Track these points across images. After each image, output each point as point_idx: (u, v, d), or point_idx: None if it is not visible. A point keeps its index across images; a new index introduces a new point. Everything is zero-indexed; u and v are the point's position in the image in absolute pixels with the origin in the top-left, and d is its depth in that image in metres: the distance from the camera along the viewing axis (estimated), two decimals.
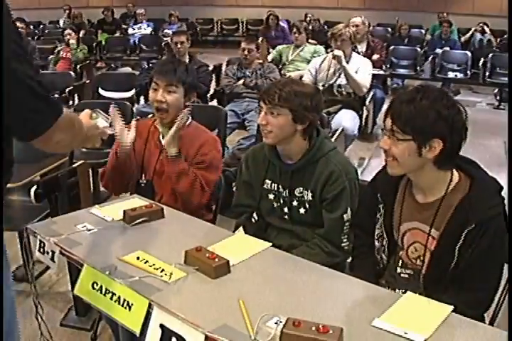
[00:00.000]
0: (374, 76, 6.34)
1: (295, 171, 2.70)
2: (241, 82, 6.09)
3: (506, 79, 9.34)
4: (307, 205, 2.72)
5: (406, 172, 2.22)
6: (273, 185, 2.78)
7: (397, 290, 2.27)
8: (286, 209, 2.77)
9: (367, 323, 1.80)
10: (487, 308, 2.21)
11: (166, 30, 13.35)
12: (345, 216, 2.62)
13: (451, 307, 1.95)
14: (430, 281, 2.26)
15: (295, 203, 2.73)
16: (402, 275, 2.36)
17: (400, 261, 2.36)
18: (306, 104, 2.56)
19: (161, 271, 2.05)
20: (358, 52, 6.67)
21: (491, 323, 2.33)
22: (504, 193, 2.16)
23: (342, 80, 5.61)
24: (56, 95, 6.66)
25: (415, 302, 2.02)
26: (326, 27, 13.13)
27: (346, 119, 5.53)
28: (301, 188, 2.71)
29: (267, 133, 2.62)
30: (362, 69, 5.63)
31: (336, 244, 2.65)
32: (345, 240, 2.65)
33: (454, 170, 2.21)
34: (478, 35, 12.02)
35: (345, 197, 2.62)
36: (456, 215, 2.15)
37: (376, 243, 2.42)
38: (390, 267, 2.40)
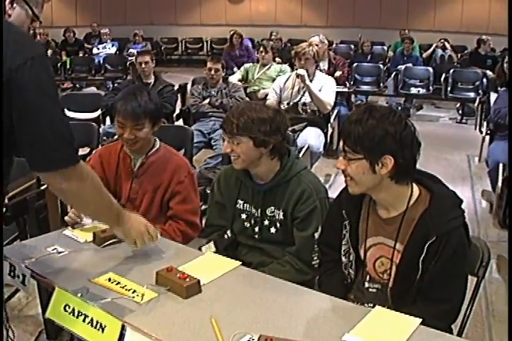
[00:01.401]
0: (338, 93, 6.43)
1: (267, 191, 2.74)
2: (207, 101, 6.12)
3: (468, 93, 9.54)
4: (278, 224, 2.75)
5: (365, 191, 2.26)
6: (245, 205, 2.81)
7: (365, 305, 2.31)
8: (257, 229, 2.80)
9: (337, 338, 1.84)
10: (454, 319, 2.25)
11: (130, 50, 13.33)
12: (316, 234, 2.65)
13: (419, 320, 2.00)
14: (398, 295, 2.29)
15: (266, 222, 2.76)
16: (370, 289, 2.39)
17: (368, 276, 2.40)
18: (265, 129, 2.58)
19: (133, 292, 2.06)
20: (321, 70, 6.76)
21: (459, 334, 2.36)
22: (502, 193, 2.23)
23: (306, 98, 5.67)
24: None
25: (384, 316, 2.06)
26: (289, 45, 13.24)
27: (311, 137, 5.59)
28: (273, 208, 2.74)
29: (235, 159, 2.66)
30: (326, 87, 5.70)
31: (306, 261, 2.68)
32: (315, 258, 2.68)
33: (414, 185, 2.26)
34: (440, 51, 12.22)
35: (316, 215, 2.66)
36: (418, 228, 2.19)
37: (343, 258, 2.45)
38: (357, 282, 2.44)
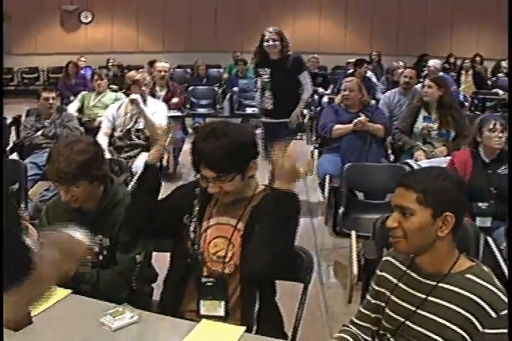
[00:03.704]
0: (173, 118, 6.55)
1: (93, 220, 2.77)
2: (40, 132, 6.03)
3: None
4: (105, 252, 2.79)
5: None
6: None
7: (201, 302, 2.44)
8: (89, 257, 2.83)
9: None
10: (288, 260, 2.49)
11: None
12: (138, 257, 2.74)
13: (244, 328, 2.15)
14: (245, 284, 2.45)
15: (96, 250, 2.76)
16: (207, 284, 2.47)
17: (205, 268, 2.51)
18: (86, 168, 2.67)
19: None
20: (158, 97, 6.89)
21: (293, 339, 2.54)
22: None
23: (140, 124, 5.75)
24: None
25: (210, 327, 2.20)
26: (127, 71, 13.21)
27: None
28: (101, 236, 2.78)
29: (76, 202, 2.75)
30: (158, 113, 5.81)
31: (128, 281, 2.76)
32: (134, 279, 2.76)
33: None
34: None
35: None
36: (256, 209, 2.47)
37: (191, 235, 2.54)
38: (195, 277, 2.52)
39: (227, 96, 10.43)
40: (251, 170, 2.44)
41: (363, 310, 2.29)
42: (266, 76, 5.96)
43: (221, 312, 2.42)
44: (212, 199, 2.55)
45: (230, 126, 2.44)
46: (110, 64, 13.87)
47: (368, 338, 2.25)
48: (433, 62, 9.52)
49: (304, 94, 6.06)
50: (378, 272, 2.26)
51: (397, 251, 2.15)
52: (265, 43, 5.81)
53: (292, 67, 5.93)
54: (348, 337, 2.24)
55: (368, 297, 2.29)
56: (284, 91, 5.95)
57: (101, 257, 2.80)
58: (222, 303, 2.42)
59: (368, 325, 2.25)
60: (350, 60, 11.62)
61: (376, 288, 2.25)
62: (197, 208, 2.55)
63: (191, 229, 2.53)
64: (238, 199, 2.49)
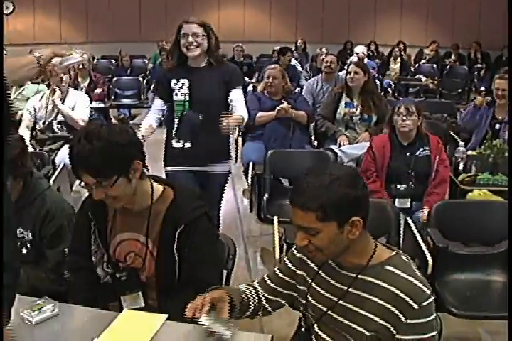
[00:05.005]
0: (97, 109, 6.47)
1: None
2: None
3: None
4: (28, 245, 2.78)
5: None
6: None
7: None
8: None
9: None
10: None
11: None
12: (66, 250, 2.70)
13: (165, 316, 2.16)
14: (163, 289, 2.43)
15: (18, 245, 2.75)
16: (121, 278, 2.47)
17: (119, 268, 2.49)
18: (13, 165, 2.60)
19: None
20: (82, 88, 6.77)
21: None
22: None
23: (61, 117, 5.65)
24: None
25: (132, 317, 2.19)
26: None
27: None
28: (22, 229, 2.75)
29: None
30: (79, 104, 5.71)
31: (59, 275, 2.73)
32: (66, 271, 2.72)
33: (155, 183, 2.45)
34: None
35: (64, 232, 2.74)
36: (167, 219, 2.37)
37: (93, 258, 2.51)
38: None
39: (152, 86, 10.32)
40: (136, 171, 2.30)
41: (268, 282, 2.28)
42: (180, 92, 3.93)
43: (141, 304, 2.43)
44: (108, 217, 2.49)
45: (104, 127, 2.27)
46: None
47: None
48: (360, 49, 9.68)
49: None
50: (295, 252, 2.23)
51: (318, 262, 2.12)
52: (183, 41, 3.81)
53: (222, 79, 3.94)
54: (251, 289, 2.28)
55: (277, 271, 2.27)
56: (208, 118, 3.83)
57: (24, 251, 2.77)
58: (140, 294, 2.43)
59: (271, 297, 2.26)
60: (275, 48, 11.67)
61: (291, 266, 2.23)
62: (96, 233, 2.49)
63: (96, 253, 2.50)
64: (136, 211, 2.43)
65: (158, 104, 4.03)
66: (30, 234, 2.76)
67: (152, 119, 3.99)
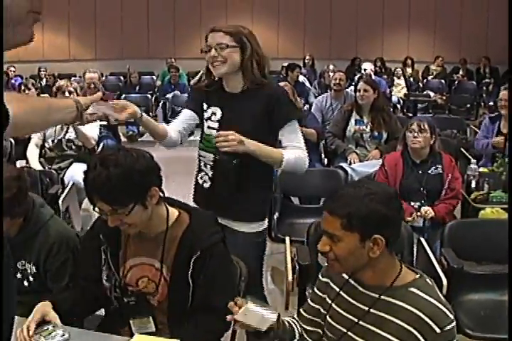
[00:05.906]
0: (105, 126, 6.44)
1: (16, 245, 2.57)
2: None
3: None
4: (31, 278, 2.70)
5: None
6: None
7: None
8: None
9: None
10: (228, 328, 2.36)
11: None
12: (70, 284, 2.63)
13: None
14: (174, 314, 2.37)
15: (19, 276, 2.68)
16: (130, 303, 2.41)
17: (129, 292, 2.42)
18: (8, 207, 2.42)
19: None
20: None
21: None
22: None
23: (71, 135, 5.61)
24: None
25: None
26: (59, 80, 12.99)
27: (78, 173, 5.51)
28: (24, 261, 2.68)
29: None
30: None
31: None
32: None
33: (170, 207, 2.38)
34: None
35: (69, 266, 2.66)
36: (182, 245, 2.31)
37: (106, 283, 2.43)
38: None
39: (161, 103, 10.36)
40: (153, 198, 2.24)
41: (304, 314, 2.27)
42: (209, 124, 2.98)
43: (152, 328, 2.38)
44: (122, 242, 2.42)
45: (122, 152, 2.19)
46: (42, 73, 13.58)
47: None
48: (367, 66, 9.66)
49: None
50: (321, 277, 2.23)
51: (333, 272, 2.13)
52: (206, 56, 2.87)
53: (264, 108, 2.88)
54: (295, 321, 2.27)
55: (309, 301, 2.27)
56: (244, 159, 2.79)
57: (26, 283, 2.70)
58: (150, 319, 2.38)
59: (309, 328, 2.23)
60: (284, 65, 11.67)
61: (318, 293, 2.22)
62: (108, 256, 2.41)
63: (105, 278, 2.43)
64: (152, 236, 2.37)
65: (186, 114, 3.06)
66: (34, 267, 2.69)
67: (172, 127, 3.04)
